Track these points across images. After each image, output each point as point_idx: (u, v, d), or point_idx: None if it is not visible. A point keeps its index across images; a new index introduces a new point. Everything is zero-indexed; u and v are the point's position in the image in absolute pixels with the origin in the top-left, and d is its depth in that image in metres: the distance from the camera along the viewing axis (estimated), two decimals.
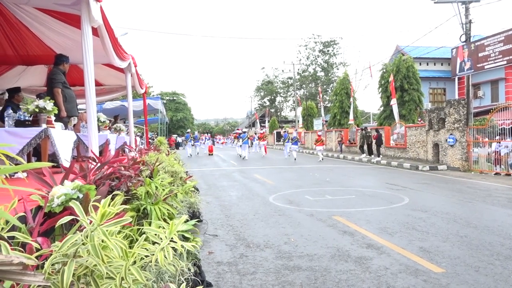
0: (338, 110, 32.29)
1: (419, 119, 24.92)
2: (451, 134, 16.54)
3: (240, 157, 25.23)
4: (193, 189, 6.64)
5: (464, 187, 11.05)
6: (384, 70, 26.90)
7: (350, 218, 6.93)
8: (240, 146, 25.42)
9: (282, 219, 6.98)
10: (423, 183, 11.87)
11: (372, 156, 21.52)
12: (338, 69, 56.08)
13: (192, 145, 30.69)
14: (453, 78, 24.10)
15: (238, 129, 42.32)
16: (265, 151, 29.82)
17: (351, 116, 28.83)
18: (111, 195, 2.05)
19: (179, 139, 48.44)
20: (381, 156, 21.40)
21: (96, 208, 1.78)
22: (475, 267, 4.43)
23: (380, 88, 27.12)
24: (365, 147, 22.50)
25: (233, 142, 38.25)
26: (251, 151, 30.74)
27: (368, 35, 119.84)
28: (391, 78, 23.18)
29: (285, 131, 29.78)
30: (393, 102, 22.37)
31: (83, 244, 1.59)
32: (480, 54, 17.62)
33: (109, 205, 1.74)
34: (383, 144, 21.88)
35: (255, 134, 47.15)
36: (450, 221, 6.69)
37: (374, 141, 21.70)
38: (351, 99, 29.23)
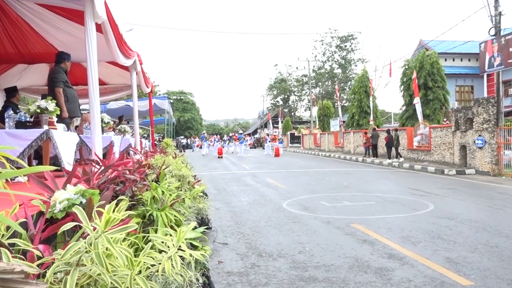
0: (356, 109, 32.17)
1: (445, 119, 24.60)
2: (479, 135, 16.30)
3: (232, 153, 35.60)
4: (201, 194, 6.66)
5: (494, 193, 10.88)
6: (407, 67, 26.64)
7: (370, 226, 6.88)
8: (238, 145, 35.31)
9: (296, 227, 6.96)
10: (449, 189, 11.72)
11: (401, 159, 21.32)
12: (356, 65, 55.89)
13: (208, 146, 37.65)
14: (481, 74, 23.71)
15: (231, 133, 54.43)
16: (277, 153, 30.51)
17: (370, 116, 28.63)
18: (115, 201, 2.07)
19: (184, 141, 48.81)
20: (382, 158, 21.24)
21: (100, 214, 1.80)
22: (507, 280, 4.35)
23: (402, 86, 26.88)
24: (393, 149, 22.32)
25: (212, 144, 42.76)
26: (263, 153, 36.63)
27: (389, 29, 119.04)
28: (414, 75, 22.91)
29: (266, 133, 40.85)
30: (416, 101, 22.12)
31: (86, 252, 1.61)
32: (511, 49, 17.33)
33: (113, 211, 1.75)
34: (398, 146, 21.94)
35: (267, 136, 47.28)
36: (479, 229, 6.59)
37: (385, 142, 22.15)
38: (371, 98, 29.01)
